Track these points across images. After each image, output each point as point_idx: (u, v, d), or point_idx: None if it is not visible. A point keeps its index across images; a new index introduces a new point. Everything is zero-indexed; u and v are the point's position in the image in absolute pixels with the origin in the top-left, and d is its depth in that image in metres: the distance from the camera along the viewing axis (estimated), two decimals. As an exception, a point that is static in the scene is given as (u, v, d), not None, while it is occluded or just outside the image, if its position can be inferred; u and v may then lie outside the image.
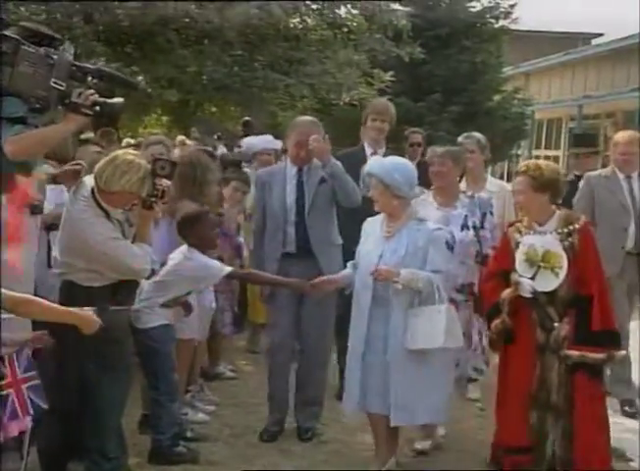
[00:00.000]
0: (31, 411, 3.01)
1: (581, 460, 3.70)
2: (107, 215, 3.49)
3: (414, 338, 3.76)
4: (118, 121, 3.20)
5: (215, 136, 10.52)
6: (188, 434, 4.38)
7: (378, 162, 4.00)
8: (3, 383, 2.94)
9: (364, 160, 4.75)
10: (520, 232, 3.92)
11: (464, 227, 4.44)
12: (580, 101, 16.19)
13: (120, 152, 3.61)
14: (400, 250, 3.84)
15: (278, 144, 7.09)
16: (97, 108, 3.07)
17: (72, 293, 3.46)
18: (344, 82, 9.63)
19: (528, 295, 3.79)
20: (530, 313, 3.84)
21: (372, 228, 4.02)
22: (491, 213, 4.58)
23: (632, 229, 5.15)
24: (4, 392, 2.94)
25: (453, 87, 13.65)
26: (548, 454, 3.77)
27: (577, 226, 3.84)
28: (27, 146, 3.03)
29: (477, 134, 5.56)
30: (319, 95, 10.03)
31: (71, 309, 2.98)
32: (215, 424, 4.66)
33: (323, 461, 4.21)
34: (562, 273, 3.74)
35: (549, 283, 3.76)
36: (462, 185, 4.94)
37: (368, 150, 5.21)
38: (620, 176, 5.27)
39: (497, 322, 3.86)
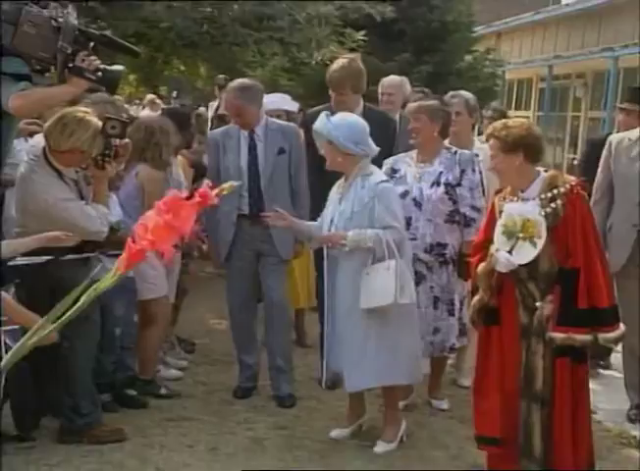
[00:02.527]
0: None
1: (560, 456, 3.36)
2: (60, 175, 3.45)
3: (366, 296, 3.70)
4: (117, 88, 3.17)
5: (174, 93, 10.20)
6: (162, 391, 4.41)
7: (323, 119, 3.84)
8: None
9: None
10: (504, 199, 3.56)
11: (435, 183, 4.23)
12: (551, 61, 16.20)
13: (69, 110, 3.54)
14: (346, 211, 3.80)
15: (294, 105, 6.45)
16: (99, 74, 3.03)
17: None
18: (313, 37, 9.52)
19: (504, 270, 3.40)
20: (513, 291, 3.47)
21: (333, 192, 3.99)
22: (473, 170, 4.25)
23: None
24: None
25: (423, 47, 13.59)
26: (536, 447, 3.39)
27: (562, 189, 3.38)
28: (32, 103, 3.05)
29: (466, 94, 5.06)
30: (290, 53, 9.91)
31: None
32: (189, 381, 4.69)
33: (296, 417, 4.25)
34: (541, 242, 3.33)
35: (526, 254, 3.36)
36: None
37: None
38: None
39: (475, 299, 3.55)
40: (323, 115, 3.86)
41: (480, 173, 4.30)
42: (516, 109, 18.75)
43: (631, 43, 13.29)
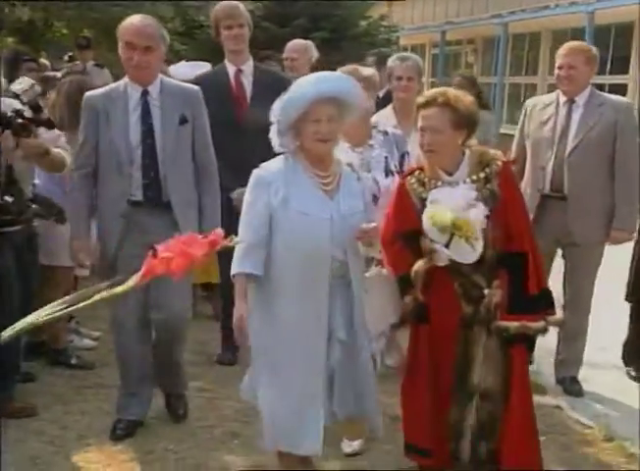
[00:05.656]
0: None
1: (510, 452, 3.04)
2: None
3: (374, 316, 3.04)
4: None
5: (66, 57, 9.68)
6: (73, 360, 4.33)
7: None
8: None
9: (227, 79, 4.34)
10: (424, 183, 3.07)
11: (388, 171, 3.58)
12: (443, 27, 16.53)
13: None
14: (345, 206, 2.91)
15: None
16: None
17: None
18: (210, 1, 9.43)
19: (444, 263, 3.03)
20: (450, 284, 3.07)
21: (303, 185, 2.89)
22: (407, 154, 3.70)
23: (550, 166, 4.11)
24: None
25: (318, 13, 13.60)
26: (464, 453, 3.09)
27: (495, 167, 3.03)
28: None
29: (414, 56, 4.56)
30: (187, 15, 9.75)
31: None
32: (103, 349, 4.60)
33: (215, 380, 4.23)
34: (479, 245, 2.97)
35: (466, 254, 3.00)
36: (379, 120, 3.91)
37: (230, 68, 4.40)
38: (562, 100, 4.14)
39: (408, 299, 3.11)
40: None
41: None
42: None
43: (519, 9, 13.74)
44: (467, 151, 3.08)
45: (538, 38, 14.45)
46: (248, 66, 4.41)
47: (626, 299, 4.51)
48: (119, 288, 1.25)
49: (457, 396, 3.09)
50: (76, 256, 3.62)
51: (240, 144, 4.01)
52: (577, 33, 12.16)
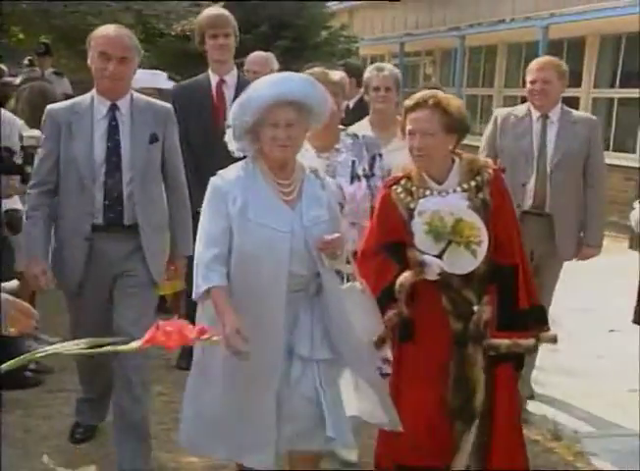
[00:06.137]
0: None
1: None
2: None
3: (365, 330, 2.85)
4: None
5: (26, 61, 9.57)
6: (32, 366, 4.34)
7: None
8: None
9: (208, 89, 4.22)
10: (411, 193, 2.92)
11: (355, 177, 3.42)
12: (402, 39, 16.75)
13: None
14: (311, 214, 2.75)
15: (168, 83, 5.50)
16: None
17: None
18: (172, 9, 9.43)
19: (435, 278, 2.85)
20: (438, 299, 2.90)
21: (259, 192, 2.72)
22: (380, 156, 3.54)
23: (532, 183, 4.05)
24: None
25: (280, 21, 13.70)
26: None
27: (487, 175, 2.90)
28: None
29: (391, 66, 4.40)
30: (148, 24, 9.75)
31: None
32: (61, 355, 4.61)
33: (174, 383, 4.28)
34: (482, 250, 2.80)
35: (463, 263, 2.82)
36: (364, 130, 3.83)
37: (213, 78, 4.29)
38: (535, 115, 4.11)
39: (391, 314, 2.93)
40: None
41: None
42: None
43: (476, 23, 14.00)
44: (457, 159, 2.95)
45: (494, 51, 14.75)
46: (232, 76, 4.28)
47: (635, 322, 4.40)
48: (125, 348, 1.44)
49: (458, 417, 2.90)
50: (31, 281, 3.31)
51: (217, 157, 3.62)
52: (532, 47, 12.45)
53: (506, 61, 14.59)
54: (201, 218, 2.72)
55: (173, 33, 9.99)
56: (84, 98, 3.31)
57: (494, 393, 2.92)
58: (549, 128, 4.07)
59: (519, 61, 13.75)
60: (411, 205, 2.91)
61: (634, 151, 11.23)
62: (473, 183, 2.89)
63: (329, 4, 16.14)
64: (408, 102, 2.93)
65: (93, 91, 3.29)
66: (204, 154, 3.74)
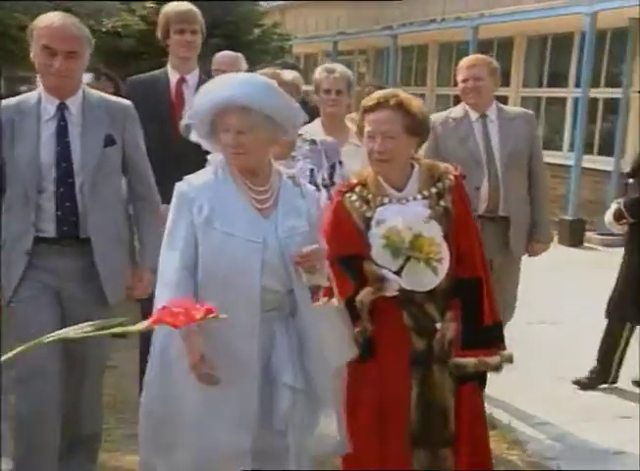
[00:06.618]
0: None
1: None
2: None
3: (338, 351, 2.62)
4: None
5: None
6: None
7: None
8: None
9: (166, 88, 3.88)
10: (368, 201, 2.70)
11: (314, 186, 3.08)
12: (335, 37, 16.85)
13: None
14: (287, 224, 2.51)
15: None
16: None
17: None
18: (103, 7, 9.32)
19: (394, 294, 2.67)
20: (399, 315, 2.71)
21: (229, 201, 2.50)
22: (340, 163, 3.34)
23: (485, 187, 3.96)
24: None
25: (212, 19, 13.61)
26: None
27: (448, 182, 2.71)
28: None
29: (342, 67, 4.14)
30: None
31: None
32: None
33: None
34: (443, 268, 2.63)
35: (424, 280, 2.63)
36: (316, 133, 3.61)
37: (173, 76, 3.93)
38: (473, 115, 4.03)
39: (356, 332, 2.70)
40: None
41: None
42: (305, 83, 19.31)
43: (408, 22, 14.18)
44: (416, 164, 2.75)
45: (426, 50, 14.99)
46: (193, 76, 3.94)
47: (606, 317, 4.56)
48: (132, 328, 1.35)
49: (428, 441, 2.70)
50: None
51: (174, 161, 3.45)
52: (462, 47, 12.69)
53: (438, 60, 14.85)
54: (167, 226, 2.51)
55: (104, 30, 9.83)
56: (31, 96, 2.96)
57: (460, 415, 2.73)
58: (489, 128, 4.02)
59: (450, 60, 14.01)
60: (368, 214, 2.69)
61: (561, 149, 11.57)
62: (434, 190, 2.70)
63: (262, 3, 16.11)
64: (368, 102, 2.71)
65: (41, 88, 2.95)
66: (160, 159, 3.40)
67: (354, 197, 2.73)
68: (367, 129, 2.68)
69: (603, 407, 4.34)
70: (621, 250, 4.64)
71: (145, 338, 2.95)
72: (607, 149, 10.69)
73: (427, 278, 2.62)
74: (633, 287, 4.38)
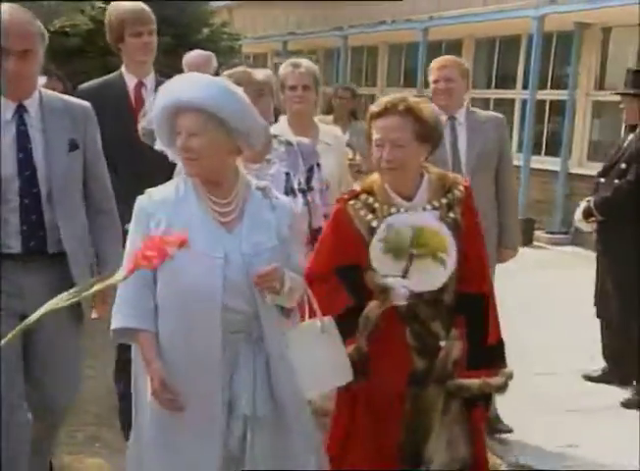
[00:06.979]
0: None
1: None
2: None
3: (312, 378, 2.38)
4: None
5: None
6: None
7: None
8: None
9: (124, 93, 3.69)
10: (374, 209, 2.54)
11: (289, 192, 2.96)
12: (285, 37, 16.85)
13: None
14: (252, 239, 2.36)
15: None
16: None
17: None
18: (52, 7, 9.21)
19: (404, 302, 2.48)
20: (401, 332, 2.53)
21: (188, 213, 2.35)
22: (318, 165, 3.16)
23: None
24: None
25: (160, 19, 13.47)
26: None
27: (458, 193, 2.57)
28: None
29: (308, 62, 3.85)
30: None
31: None
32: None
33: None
34: (451, 259, 2.47)
35: (433, 276, 2.47)
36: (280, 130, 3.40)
37: (130, 80, 3.72)
38: (442, 118, 3.69)
39: (350, 350, 2.50)
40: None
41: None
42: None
43: (358, 24, 14.26)
44: (426, 173, 2.60)
45: (375, 51, 15.09)
46: (150, 79, 3.74)
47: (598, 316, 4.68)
48: (110, 280, 1.32)
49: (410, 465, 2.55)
50: None
51: (136, 169, 3.35)
52: (412, 48, 12.82)
53: (388, 61, 14.97)
54: (127, 241, 2.39)
55: (52, 29, 9.69)
56: None
57: (477, 443, 2.58)
58: (458, 130, 3.90)
59: (400, 61, 14.14)
60: (373, 223, 2.52)
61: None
62: (444, 201, 2.55)
63: (210, 2, 16.02)
64: (375, 108, 2.56)
65: None
66: (121, 166, 3.25)
67: (359, 205, 2.56)
68: (375, 136, 2.53)
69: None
70: (569, 249, 4.75)
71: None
72: (554, 150, 10.93)
73: (436, 273, 2.45)
74: (613, 286, 4.47)
